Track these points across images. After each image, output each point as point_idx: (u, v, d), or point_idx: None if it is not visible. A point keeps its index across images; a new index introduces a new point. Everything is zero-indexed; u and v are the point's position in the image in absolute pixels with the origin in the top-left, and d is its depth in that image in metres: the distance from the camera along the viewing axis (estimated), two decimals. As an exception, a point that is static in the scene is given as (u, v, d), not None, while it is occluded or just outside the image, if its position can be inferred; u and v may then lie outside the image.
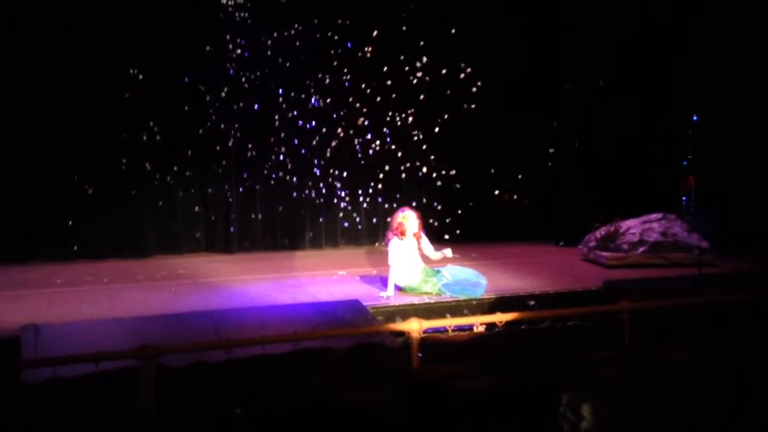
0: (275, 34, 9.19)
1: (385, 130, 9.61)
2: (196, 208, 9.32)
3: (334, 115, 9.49)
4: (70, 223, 8.56)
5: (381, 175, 9.81)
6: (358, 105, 9.51)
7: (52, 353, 4.19)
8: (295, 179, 9.58)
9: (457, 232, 9.69)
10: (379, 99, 9.54)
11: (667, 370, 1.74)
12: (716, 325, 5.42)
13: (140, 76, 8.60)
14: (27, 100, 8.24)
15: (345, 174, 9.75)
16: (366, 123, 9.55)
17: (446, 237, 9.39)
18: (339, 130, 9.53)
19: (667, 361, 2.00)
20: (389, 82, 9.51)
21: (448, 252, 6.78)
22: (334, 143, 9.56)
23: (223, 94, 9.09)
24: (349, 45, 9.38)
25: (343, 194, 9.86)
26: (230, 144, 9.26)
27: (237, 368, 4.44)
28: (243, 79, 9.15)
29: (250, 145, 9.34)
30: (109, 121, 8.58)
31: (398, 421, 2.73)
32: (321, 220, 9.79)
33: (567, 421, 1.62)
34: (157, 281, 7.38)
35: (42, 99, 8.30)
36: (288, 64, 9.28)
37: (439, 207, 9.94)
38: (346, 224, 9.93)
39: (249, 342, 4.43)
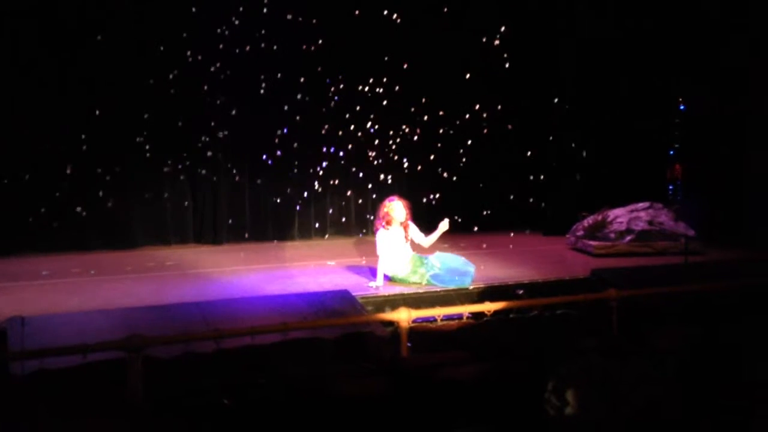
0: (266, 25, 9.13)
1: (374, 120, 9.58)
2: (185, 202, 9.27)
3: (324, 107, 9.44)
4: (57, 214, 8.50)
5: (370, 165, 9.79)
6: (348, 96, 9.47)
7: (39, 345, 4.17)
8: (283, 169, 9.55)
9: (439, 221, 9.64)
10: (369, 91, 9.50)
11: (653, 357, 1.76)
12: (702, 312, 5.47)
13: (130, 68, 8.52)
14: (15, 93, 8.15)
15: (334, 164, 9.73)
16: (355, 114, 9.51)
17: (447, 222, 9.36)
18: (328, 120, 9.49)
19: (653, 347, 2.02)
20: (381, 75, 9.47)
21: (444, 224, 6.74)
22: (323, 133, 9.53)
23: (211, 86, 9.03)
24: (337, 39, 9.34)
25: (332, 184, 9.84)
26: (219, 135, 9.21)
27: (226, 359, 4.44)
28: (231, 71, 9.08)
29: (238, 136, 9.29)
30: (95, 112, 8.51)
31: (388, 409, 2.74)
32: (310, 210, 9.77)
33: (552, 406, 1.63)
34: (145, 272, 7.34)
35: (29, 91, 8.21)
36: (277, 55, 9.23)
37: (428, 196, 9.93)
38: (333, 213, 9.93)
39: (238, 332, 4.42)
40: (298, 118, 9.39)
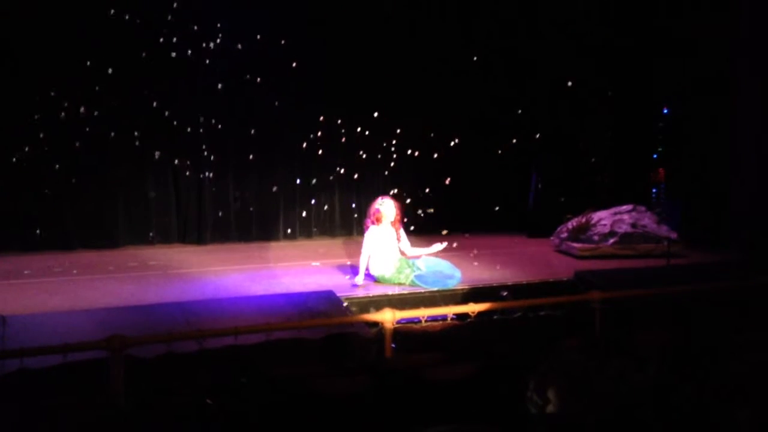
0: (253, 24, 9.10)
1: (360, 121, 9.57)
2: (169, 201, 9.21)
3: (310, 106, 9.42)
4: (39, 213, 8.41)
5: (356, 166, 9.79)
6: (335, 96, 9.45)
7: (19, 345, 4.12)
8: (268, 169, 9.52)
9: (423, 224, 9.64)
10: (355, 91, 9.50)
11: (634, 357, 1.78)
12: (684, 314, 5.52)
13: (111, 66, 8.45)
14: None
15: (320, 164, 9.71)
16: (342, 114, 9.50)
17: (412, 228, 9.40)
18: (315, 121, 9.47)
19: (635, 348, 2.04)
20: (369, 75, 9.47)
21: (438, 246, 6.77)
22: (309, 133, 9.51)
23: (196, 84, 8.99)
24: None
25: (317, 185, 9.83)
26: (203, 134, 9.16)
27: (209, 359, 4.41)
28: (216, 70, 9.04)
29: (223, 135, 9.25)
30: (79, 111, 8.43)
31: (371, 409, 2.74)
32: (295, 210, 9.75)
33: (534, 404, 1.65)
34: (127, 272, 7.28)
35: (11, 88, 8.13)
36: (263, 54, 9.20)
37: (414, 198, 9.93)
38: (318, 213, 9.91)
39: (221, 333, 4.39)
40: (284, 117, 9.36)
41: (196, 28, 8.87)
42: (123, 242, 8.87)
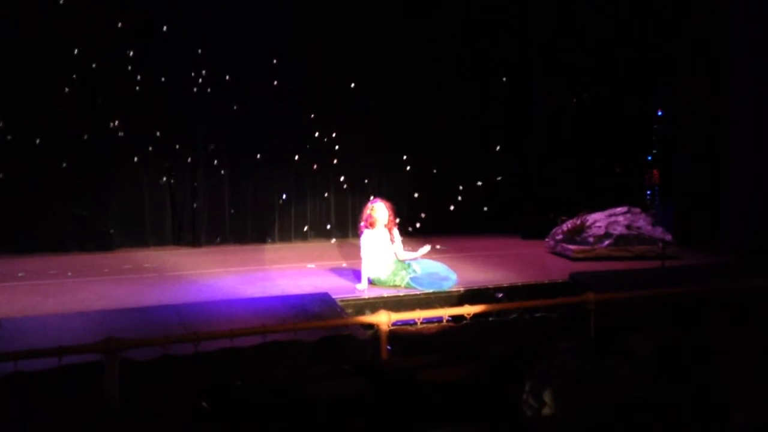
0: (246, 28, 9.11)
1: (356, 124, 9.57)
2: (164, 203, 9.19)
3: (303, 108, 9.42)
4: (33, 215, 8.38)
5: (351, 168, 9.79)
6: (329, 99, 9.45)
7: (14, 347, 4.11)
8: (263, 171, 9.51)
9: (418, 225, 9.64)
10: (350, 93, 9.50)
11: (629, 359, 1.78)
12: (679, 315, 5.54)
13: (107, 67, 8.45)
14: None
15: (314, 167, 9.71)
16: (336, 116, 9.50)
17: (413, 228, 9.41)
18: (309, 122, 9.47)
19: (629, 350, 2.05)
20: (362, 77, 9.48)
21: (424, 249, 6.77)
22: (303, 135, 9.51)
23: (190, 86, 8.99)
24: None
25: (312, 187, 9.82)
26: (198, 136, 9.16)
27: (204, 362, 4.40)
28: (211, 72, 9.04)
29: (218, 138, 9.25)
30: (75, 112, 8.42)
31: (367, 411, 2.74)
32: (290, 212, 9.74)
33: (529, 407, 1.65)
34: (122, 275, 7.27)
35: (9, 89, 8.11)
36: (256, 58, 9.20)
37: (408, 200, 9.94)
38: (313, 215, 9.91)
39: (216, 335, 4.39)
40: (278, 120, 9.36)
41: (191, 34, 8.88)
42: (118, 244, 8.86)
